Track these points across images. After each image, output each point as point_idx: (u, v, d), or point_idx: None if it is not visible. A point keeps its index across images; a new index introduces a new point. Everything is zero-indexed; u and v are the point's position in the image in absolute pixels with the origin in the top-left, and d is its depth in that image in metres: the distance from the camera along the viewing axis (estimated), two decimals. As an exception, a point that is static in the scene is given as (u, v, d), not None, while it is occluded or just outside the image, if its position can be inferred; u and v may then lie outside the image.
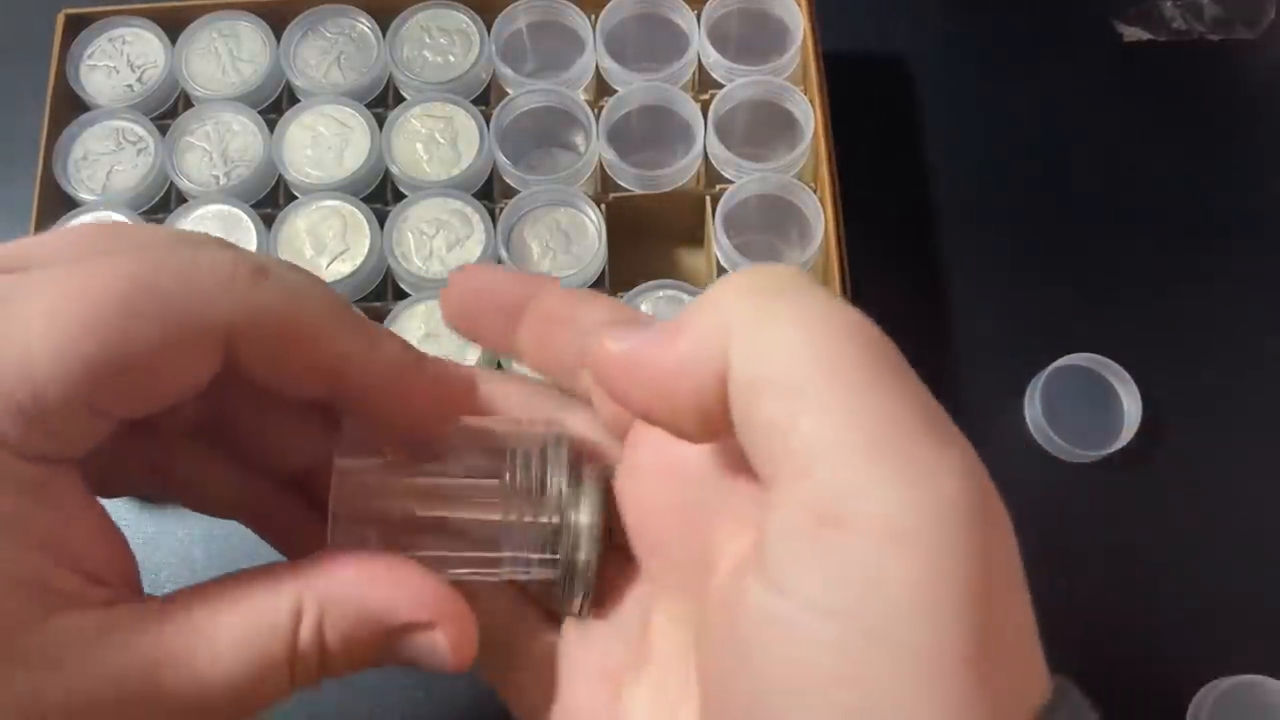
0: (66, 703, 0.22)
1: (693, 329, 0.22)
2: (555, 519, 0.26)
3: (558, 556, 0.26)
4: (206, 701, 0.23)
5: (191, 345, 0.23)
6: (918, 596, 0.19)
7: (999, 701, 0.19)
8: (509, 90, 0.51)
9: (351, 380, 0.25)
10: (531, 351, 0.28)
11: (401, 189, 0.50)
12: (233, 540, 0.49)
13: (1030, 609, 0.21)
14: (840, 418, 0.20)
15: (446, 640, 0.24)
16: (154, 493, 0.29)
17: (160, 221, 0.48)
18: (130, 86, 0.52)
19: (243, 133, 0.50)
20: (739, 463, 0.23)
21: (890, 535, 0.19)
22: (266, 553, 0.28)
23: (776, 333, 0.21)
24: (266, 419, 0.28)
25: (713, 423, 0.22)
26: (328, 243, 0.48)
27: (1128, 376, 0.51)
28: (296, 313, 0.24)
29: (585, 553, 0.26)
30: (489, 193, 0.51)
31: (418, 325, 0.47)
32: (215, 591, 0.24)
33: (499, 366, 0.45)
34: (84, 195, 0.49)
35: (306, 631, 0.24)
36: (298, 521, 0.28)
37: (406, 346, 0.26)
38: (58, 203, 0.49)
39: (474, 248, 0.48)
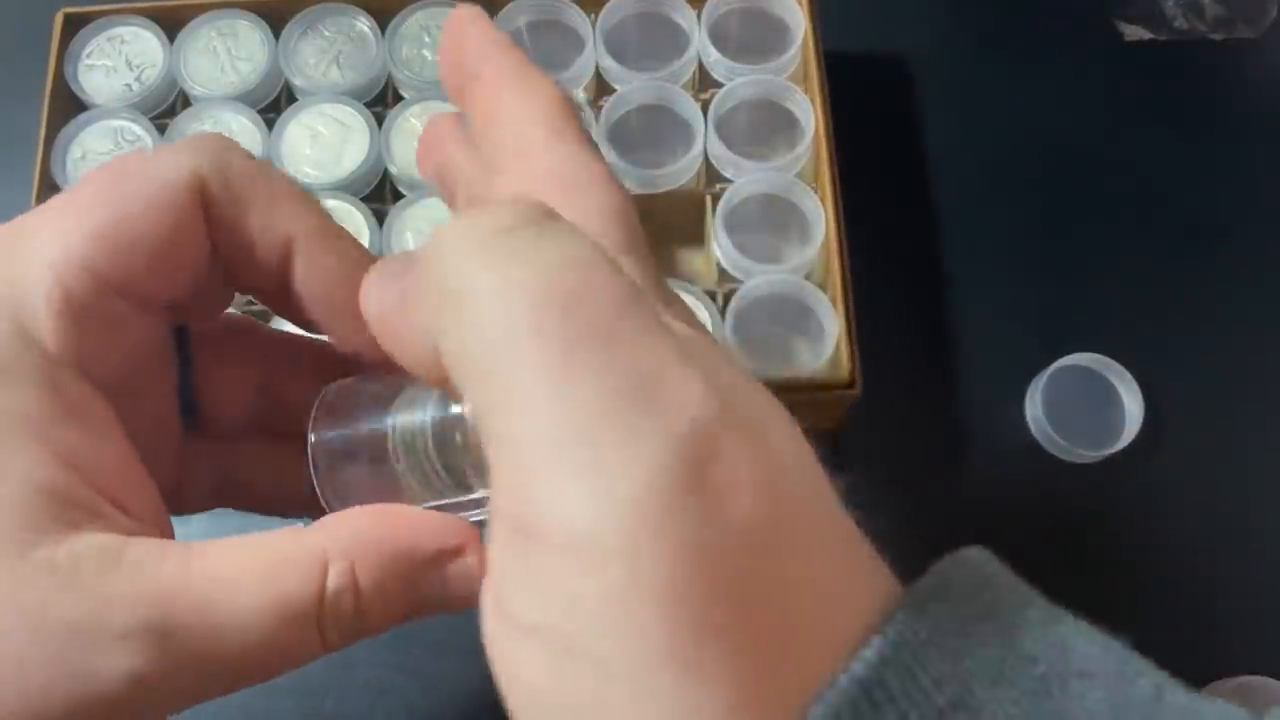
0: (76, 619, 0.21)
1: (418, 292, 0.21)
2: None
3: None
4: (223, 648, 0.22)
5: (171, 197, 0.24)
6: (608, 608, 0.17)
7: (746, 689, 0.18)
8: (508, 89, 0.50)
9: (303, 266, 0.26)
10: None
11: (401, 189, 0.50)
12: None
13: (828, 545, 0.19)
14: (527, 412, 0.18)
15: (479, 561, 0.23)
16: (229, 502, 0.29)
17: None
18: (129, 86, 0.52)
19: (241, 132, 0.50)
20: None
21: (575, 546, 0.18)
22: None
23: (473, 303, 0.19)
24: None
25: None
26: (327, 242, 0.48)
27: (1129, 376, 0.51)
28: (257, 174, 0.26)
29: None
30: (488, 192, 0.50)
31: (417, 325, 0.47)
32: (239, 541, 0.23)
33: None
34: (82, 195, 0.49)
35: (335, 578, 0.23)
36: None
37: (363, 251, 0.27)
38: (56, 202, 0.49)
39: (473, 247, 0.48)
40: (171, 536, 0.25)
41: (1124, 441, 0.50)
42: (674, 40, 0.51)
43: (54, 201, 0.25)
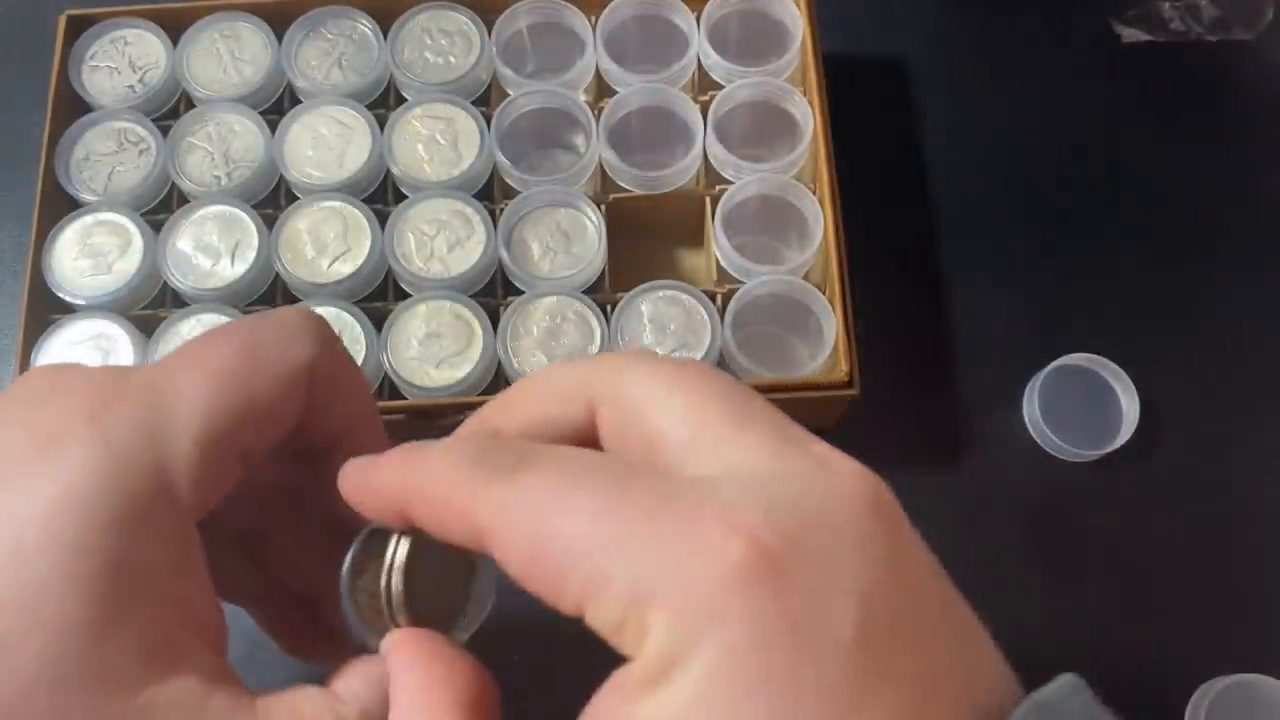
0: None
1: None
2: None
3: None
4: None
5: (294, 384, 0.28)
6: None
7: None
8: (509, 91, 0.51)
9: (351, 449, 0.28)
10: None
11: (402, 189, 0.50)
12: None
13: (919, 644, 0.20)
14: None
15: None
16: None
17: (162, 223, 0.49)
18: (132, 87, 0.52)
19: (244, 133, 0.51)
20: None
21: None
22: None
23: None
24: (297, 547, 0.33)
25: None
26: (329, 243, 0.48)
27: (1126, 376, 0.51)
28: (346, 366, 0.29)
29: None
30: (489, 193, 0.51)
31: (418, 325, 0.47)
32: (292, 706, 0.26)
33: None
34: (86, 196, 0.50)
35: None
36: (295, 621, 0.34)
37: (384, 436, 0.30)
38: (60, 204, 0.50)
39: (474, 248, 0.48)
40: (225, 656, 0.28)
41: (1121, 440, 0.50)
42: (674, 42, 0.51)
43: (189, 361, 0.27)
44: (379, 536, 0.27)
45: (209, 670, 0.26)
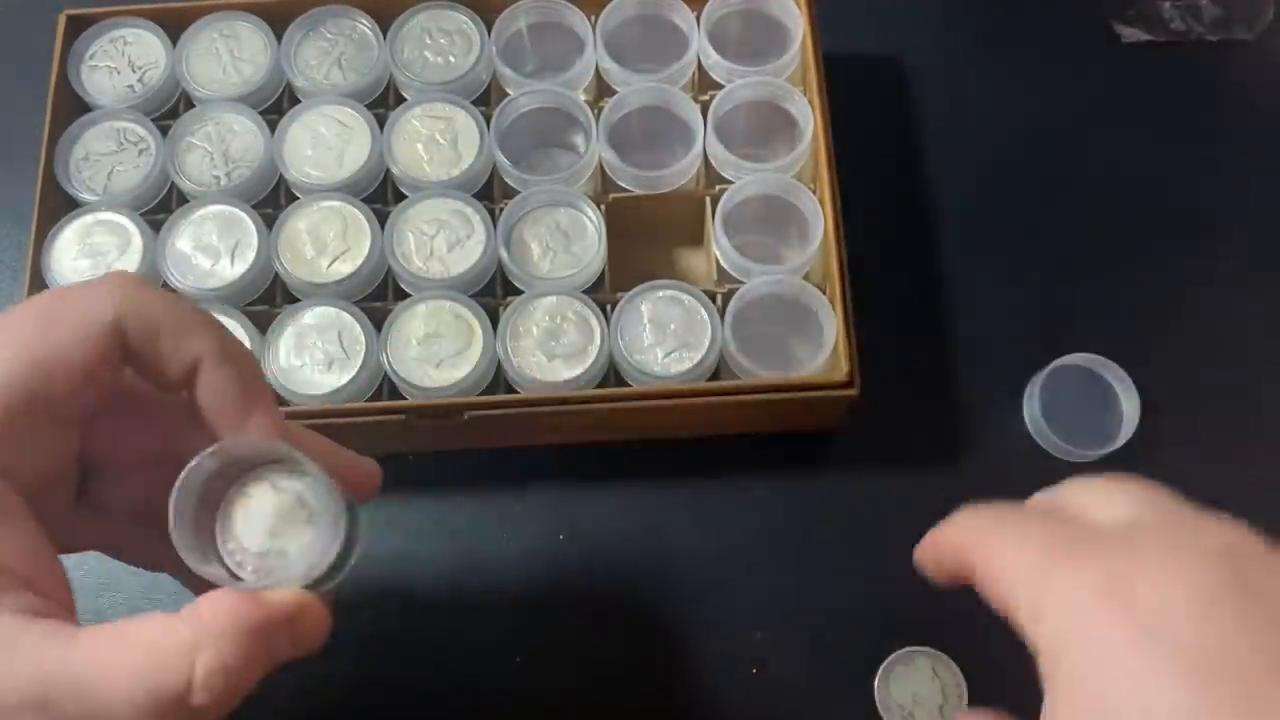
0: None
1: None
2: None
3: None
4: None
5: (97, 335, 0.29)
6: None
7: None
8: (509, 91, 0.51)
9: (203, 382, 0.30)
10: None
11: (402, 189, 0.50)
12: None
13: None
14: None
15: (319, 611, 0.29)
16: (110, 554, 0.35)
17: (161, 222, 0.49)
18: (131, 87, 0.52)
19: (244, 133, 0.51)
20: None
21: None
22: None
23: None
24: (150, 490, 0.32)
25: None
26: (328, 243, 0.48)
27: (1126, 376, 0.51)
28: (165, 307, 0.30)
29: None
30: (489, 193, 0.51)
31: (418, 325, 0.47)
32: (119, 630, 0.27)
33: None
34: (85, 196, 0.49)
35: (205, 665, 0.26)
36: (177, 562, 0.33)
37: (255, 368, 0.31)
38: (59, 203, 0.50)
39: (474, 248, 0.48)
40: (72, 606, 0.29)
41: (1121, 441, 0.50)
42: (674, 42, 0.51)
43: None
44: (207, 470, 0.29)
45: (26, 607, 0.27)
